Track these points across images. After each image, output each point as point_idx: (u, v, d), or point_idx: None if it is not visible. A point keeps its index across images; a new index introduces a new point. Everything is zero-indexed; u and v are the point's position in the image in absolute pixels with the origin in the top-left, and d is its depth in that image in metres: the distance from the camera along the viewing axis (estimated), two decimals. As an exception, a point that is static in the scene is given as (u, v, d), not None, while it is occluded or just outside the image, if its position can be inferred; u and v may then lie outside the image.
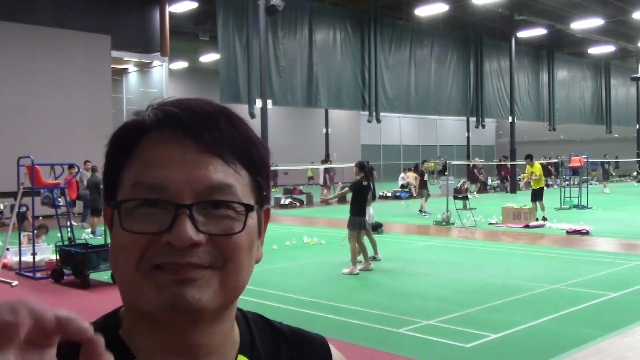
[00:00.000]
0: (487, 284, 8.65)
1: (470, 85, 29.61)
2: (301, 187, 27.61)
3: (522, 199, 19.94)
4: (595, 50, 35.28)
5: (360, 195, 9.78)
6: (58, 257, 9.17)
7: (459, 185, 24.28)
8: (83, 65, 19.72)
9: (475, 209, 16.02)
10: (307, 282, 9.00)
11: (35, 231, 10.05)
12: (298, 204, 22.76)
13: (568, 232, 14.05)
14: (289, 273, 9.63)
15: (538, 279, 8.87)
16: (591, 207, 19.71)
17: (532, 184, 16.23)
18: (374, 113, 25.12)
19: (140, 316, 0.69)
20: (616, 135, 41.34)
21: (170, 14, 23.36)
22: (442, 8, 25.03)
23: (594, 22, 28.30)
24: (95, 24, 20.10)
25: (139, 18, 22.07)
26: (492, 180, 31.73)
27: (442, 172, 21.60)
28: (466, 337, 6.05)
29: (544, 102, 34.32)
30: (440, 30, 28.62)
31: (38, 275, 9.36)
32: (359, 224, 9.59)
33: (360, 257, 9.69)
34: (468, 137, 40.25)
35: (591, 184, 26.18)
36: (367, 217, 10.17)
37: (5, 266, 10.00)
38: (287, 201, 22.60)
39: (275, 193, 25.28)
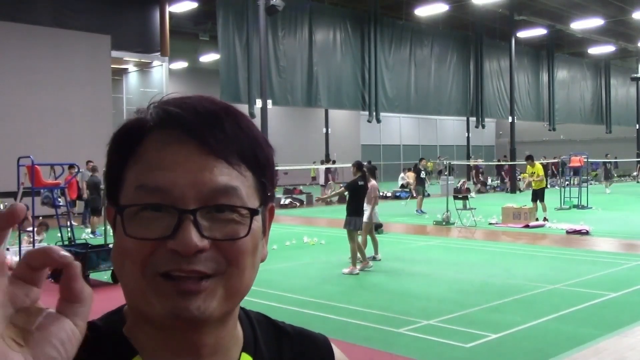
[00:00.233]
0: (487, 284, 8.65)
1: (470, 85, 29.60)
2: (301, 187, 27.60)
3: (522, 199, 19.94)
4: (595, 50, 35.27)
5: (356, 195, 9.74)
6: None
7: (459, 185, 24.30)
8: (83, 65, 19.72)
9: (475, 209, 16.02)
10: (307, 282, 9.00)
11: (35, 229, 10.06)
12: (298, 204, 22.76)
13: (568, 232, 14.05)
14: (289, 273, 9.62)
15: (538, 279, 8.87)
16: (591, 207, 19.71)
17: (533, 184, 16.24)
18: (374, 113, 25.12)
19: (144, 317, 0.68)
20: (616, 135, 41.34)
21: (170, 14, 23.37)
22: (442, 8, 25.04)
23: (594, 22, 28.29)
24: (95, 24, 20.10)
25: (139, 18, 22.07)
26: (492, 180, 31.75)
27: (449, 173, 21.62)
28: (466, 337, 6.06)
29: (544, 102, 34.31)
30: (440, 30, 28.61)
31: (38, 275, 9.37)
32: (354, 224, 9.57)
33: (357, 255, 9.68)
34: (468, 137, 40.27)
35: (591, 183, 26.18)
36: (366, 217, 10.17)
37: (5, 266, 9.98)
38: (287, 201, 22.61)
39: (276, 193, 25.15)
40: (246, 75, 20.66)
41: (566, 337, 6.08)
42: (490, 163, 35.54)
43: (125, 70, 25.18)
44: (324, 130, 36.99)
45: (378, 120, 25.76)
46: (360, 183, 9.79)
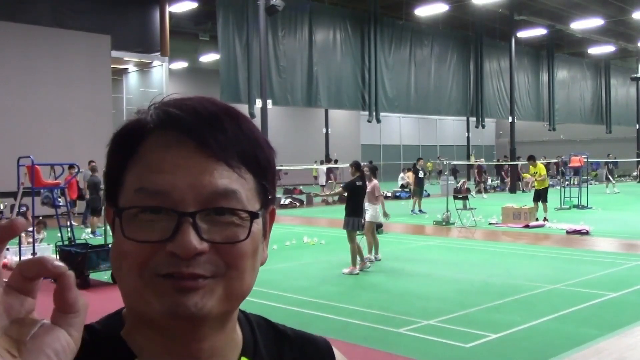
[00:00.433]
0: (487, 284, 8.65)
1: (470, 85, 29.61)
2: (301, 187, 27.61)
3: (522, 199, 19.94)
4: (595, 50, 35.28)
5: (353, 196, 9.71)
6: (58, 257, 9.19)
7: (459, 185, 24.30)
8: (83, 65, 19.72)
9: (475, 209, 16.02)
10: (307, 282, 9.00)
11: (34, 228, 10.06)
12: (298, 204, 22.77)
13: (568, 232, 14.05)
14: (289, 273, 9.62)
15: (538, 279, 8.87)
16: (591, 207, 19.71)
17: (536, 184, 16.24)
18: (374, 113, 25.12)
19: (143, 319, 0.68)
20: (616, 135, 41.34)
21: (170, 14, 23.37)
22: (442, 8, 25.05)
23: (594, 22, 28.30)
24: (95, 24, 20.10)
25: (139, 18, 22.07)
26: (492, 180, 31.74)
27: (453, 174, 21.66)
28: (466, 337, 6.06)
29: (544, 102, 34.31)
30: (440, 30, 28.61)
31: (38, 275, 9.38)
32: (352, 225, 9.57)
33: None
34: (468, 137, 40.27)
35: (591, 184, 26.18)
36: (369, 216, 10.17)
37: (5, 266, 9.91)
38: (287, 201, 22.62)
39: (276, 193, 25.17)
40: (246, 75, 20.66)
41: (566, 337, 6.08)
42: (490, 163, 35.54)
43: (125, 70, 25.18)
44: (324, 130, 36.99)
45: (378, 120, 25.76)
46: (359, 183, 9.75)
